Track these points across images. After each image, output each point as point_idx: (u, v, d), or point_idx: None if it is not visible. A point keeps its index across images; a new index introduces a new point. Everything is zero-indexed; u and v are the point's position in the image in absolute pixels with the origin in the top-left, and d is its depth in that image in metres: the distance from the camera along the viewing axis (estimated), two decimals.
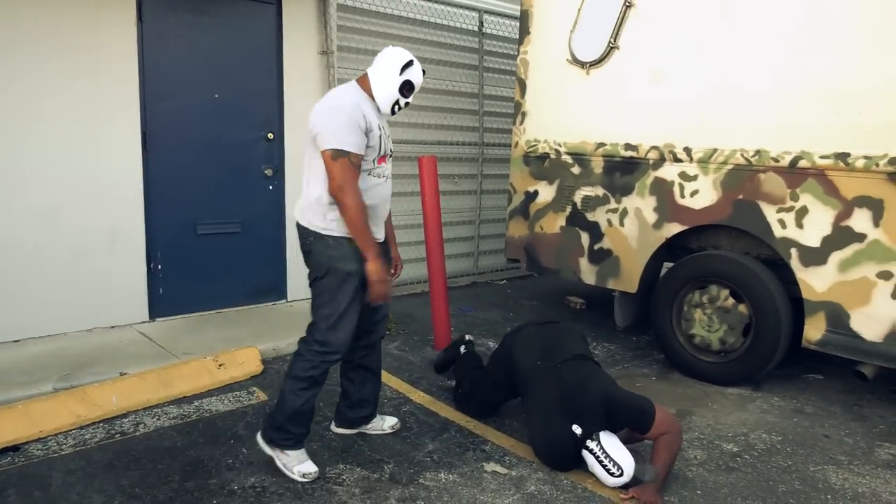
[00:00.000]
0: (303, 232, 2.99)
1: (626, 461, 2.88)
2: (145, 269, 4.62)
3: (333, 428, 3.37)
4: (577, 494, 2.89)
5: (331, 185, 2.77)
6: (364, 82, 2.97)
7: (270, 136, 5.06)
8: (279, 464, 2.95)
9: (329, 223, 2.87)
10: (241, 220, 5.02)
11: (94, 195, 4.34)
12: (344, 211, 2.78)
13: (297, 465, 2.94)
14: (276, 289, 5.28)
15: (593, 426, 2.96)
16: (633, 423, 3.03)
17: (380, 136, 2.91)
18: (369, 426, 3.36)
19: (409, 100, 2.99)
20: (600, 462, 2.89)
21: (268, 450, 2.99)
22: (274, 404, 3.04)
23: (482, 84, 6.53)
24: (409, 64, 2.92)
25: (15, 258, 4.10)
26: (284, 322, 4.82)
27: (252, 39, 4.93)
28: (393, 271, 3.21)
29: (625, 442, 3.02)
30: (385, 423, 3.41)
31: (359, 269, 2.87)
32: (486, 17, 6.44)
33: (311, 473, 2.92)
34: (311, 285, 3.02)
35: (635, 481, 2.86)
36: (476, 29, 6.40)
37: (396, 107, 2.97)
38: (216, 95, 4.78)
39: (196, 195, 4.78)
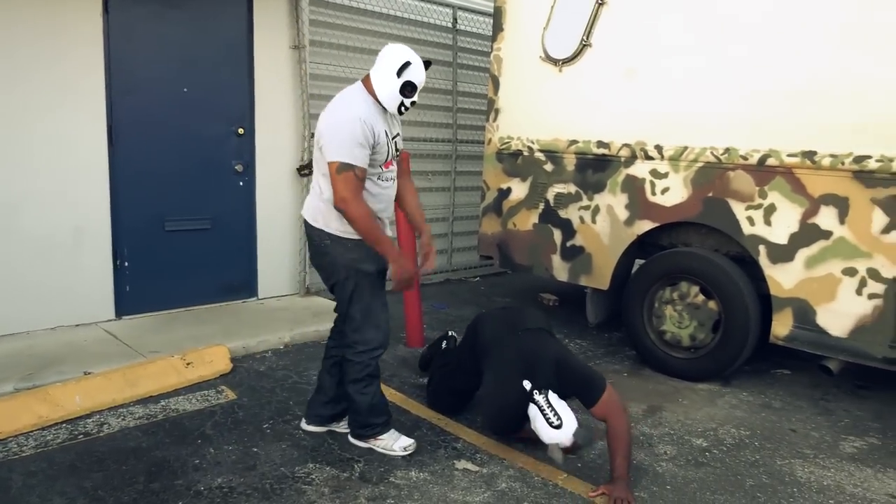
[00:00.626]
0: (317, 234, 3.01)
1: (569, 416, 2.87)
2: (111, 266, 4.53)
3: (304, 426, 3.33)
4: (548, 491, 2.89)
5: (335, 197, 2.82)
6: (368, 83, 2.94)
7: (241, 131, 4.99)
8: (379, 450, 3.13)
9: (347, 225, 2.89)
10: (211, 216, 4.94)
11: (58, 190, 4.23)
12: (352, 222, 2.84)
13: (395, 442, 3.13)
14: (247, 286, 5.21)
15: (543, 383, 2.98)
16: (582, 390, 3.02)
17: (386, 143, 2.94)
18: (341, 424, 3.33)
19: (415, 99, 2.92)
20: (543, 413, 2.88)
21: (364, 444, 3.18)
22: (350, 407, 3.19)
23: (456, 81, 6.51)
24: (405, 65, 2.84)
25: None
26: (255, 320, 4.75)
27: (222, 32, 4.85)
28: (422, 261, 3.20)
29: None
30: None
31: (379, 268, 3.02)
32: (459, 13, 6.42)
33: (411, 445, 3.14)
34: (332, 289, 3.11)
35: (575, 446, 2.87)
36: (450, 25, 6.38)
37: (402, 108, 2.93)
38: (185, 89, 4.70)
39: (164, 191, 4.69)
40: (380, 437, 3.14)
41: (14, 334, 4.13)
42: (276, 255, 5.30)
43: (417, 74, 2.87)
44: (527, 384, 2.98)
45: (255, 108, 5.04)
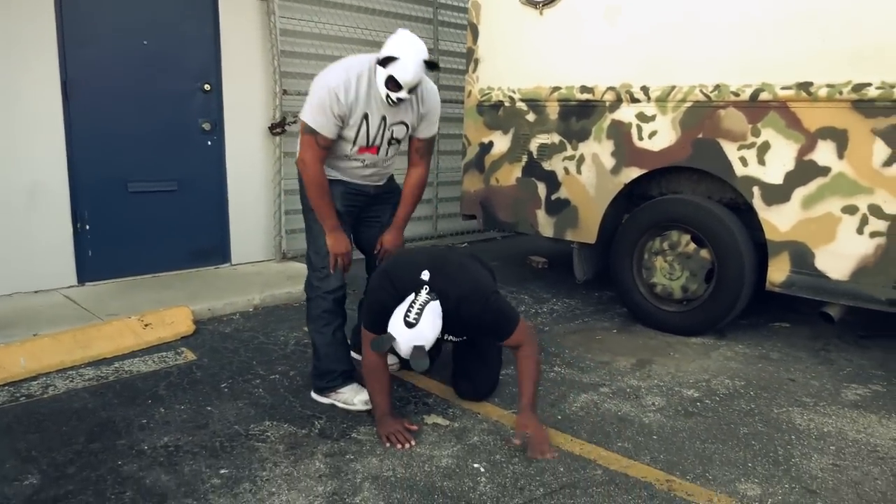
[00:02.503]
0: None
1: (428, 330, 2.48)
2: (71, 230, 4.30)
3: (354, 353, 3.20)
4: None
5: (298, 154, 2.85)
6: None
7: (207, 87, 4.74)
8: (340, 405, 2.95)
9: None
10: (178, 177, 4.70)
11: (7, 148, 4.00)
12: (304, 184, 2.87)
13: (355, 395, 2.95)
14: (218, 251, 4.98)
15: (443, 288, 2.61)
16: (494, 325, 2.67)
17: (359, 127, 2.80)
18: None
19: (402, 95, 2.68)
20: (410, 304, 2.52)
21: (325, 400, 3.00)
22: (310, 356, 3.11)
23: (437, 38, 6.24)
24: (391, 59, 2.63)
25: None
26: (225, 284, 4.53)
27: None
28: (377, 249, 3.13)
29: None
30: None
31: (342, 209, 2.96)
32: None
33: (361, 404, 2.92)
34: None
35: (411, 355, 2.49)
36: None
37: (390, 100, 2.71)
38: (145, 42, 4.45)
39: (127, 150, 4.45)
40: (339, 391, 2.96)
41: None
42: (250, 219, 5.07)
43: (403, 72, 2.63)
44: (425, 274, 2.63)
45: (221, 62, 4.79)
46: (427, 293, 2.57)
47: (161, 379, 3.19)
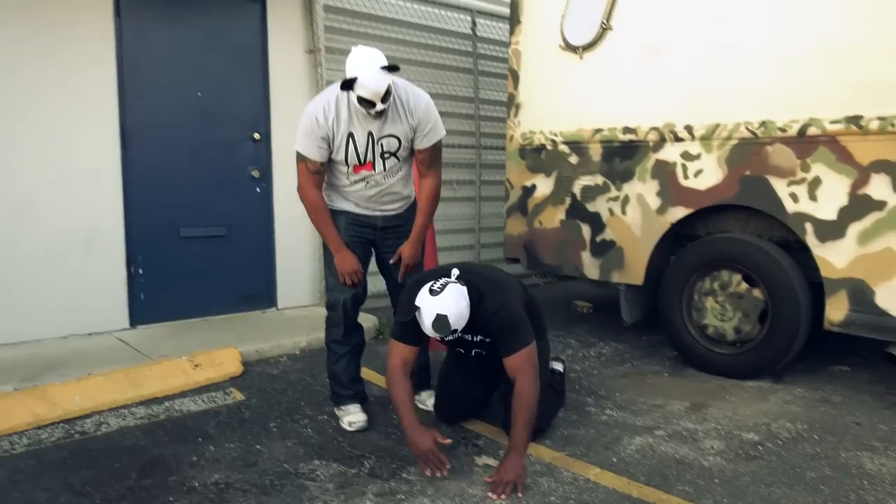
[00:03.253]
0: None
1: (452, 301, 2.51)
2: (125, 274, 4.41)
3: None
4: (579, 486, 2.57)
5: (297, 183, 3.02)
6: None
7: (257, 136, 4.89)
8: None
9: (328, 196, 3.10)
10: (228, 223, 4.82)
11: (69, 194, 4.16)
12: (305, 209, 3.04)
13: (346, 416, 3.12)
14: (265, 295, 5.04)
15: (469, 279, 2.65)
16: (505, 333, 2.63)
17: (346, 146, 2.88)
18: (421, 395, 3.36)
19: (378, 108, 2.77)
20: (434, 280, 2.60)
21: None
22: None
23: (477, 88, 6.36)
24: (350, 81, 2.69)
25: None
26: (271, 327, 4.57)
27: (236, 37, 4.79)
28: (392, 261, 3.20)
29: None
30: (426, 399, 3.36)
31: (345, 240, 3.06)
32: (478, 19, 6.31)
33: (356, 423, 3.07)
34: None
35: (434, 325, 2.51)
36: (469, 32, 6.27)
37: (372, 111, 2.79)
38: (199, 94, 4.64)
39: (180, 197, 4.59)
40: (339, 408, 3.18)
41: (24, 342, 4.02)
42: (296, 264, 5.14)
43: (365, 89, 2.69)
44: (454, 271, 2.68)
45: (270, 112, 4.95)
46: (455, 278, 2.63)
47: (211, 418, 3.20)
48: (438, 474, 2.59)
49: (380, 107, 2.77)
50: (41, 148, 4.06)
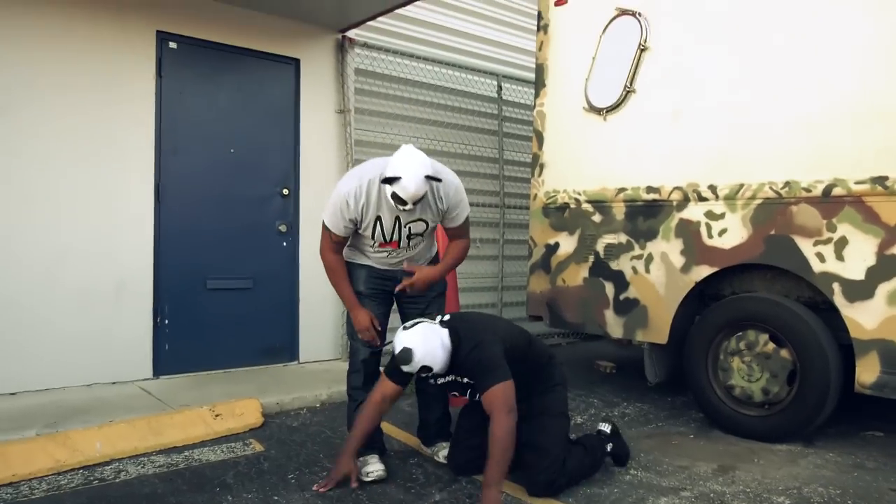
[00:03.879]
0: None
1: (423, 337, 2.75)
2: (151, 324, 4.48)
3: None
4: None
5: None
6: None
7: (286, 191, 5.02)
8: None
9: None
10: (253, 275, 4.90)
11: (103, 244, 4.28)
12: (324, 267, 3.17)
13: (363, 467, 3.08)
14: (287, 349, 5.06)
15: (455, 325, 2.85)
16: (479, 371, 2.75)
17: (374, 225, 3.01)
18: (433, 448, 3.41)
19: (408, 208, 2.86)
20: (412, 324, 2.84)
21: None
22: None
23: (502, 149, 6.50)
24: (392, 179, 2.79)
25: (17, 306, 4.00)
26: (293, 380, 4.57)
27: (270, 96, 4.99)
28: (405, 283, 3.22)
29: None
30: (439, 451, 3.37)
31: (365, 292, 3.19)
32: (504, 84, 6.50)
33: (373, 473, 3.05)
34: None
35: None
36: (495, 95, 6.44)
37: (403, 208, 2.88)
38: (232, 150, 4.80)
39: (208, 249, 4.70)
40: (358, 458, 3.11)
41: (49, 389, 4.06)
42: (319, 318, 5.17)
43: (404, 191, 2.80)
44: (441, 317, 2.91)
45: (299, 169, 5.09)
46: (438, 322, 2.83)
47: (229, 468, 3.18)
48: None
49: (409, 208, 2.87)
50: (78, 199, 4.21)
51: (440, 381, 2.94)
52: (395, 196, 2.84)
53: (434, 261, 3.37)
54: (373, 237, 3.05)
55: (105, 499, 2.81)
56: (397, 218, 3.00)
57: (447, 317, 2.90)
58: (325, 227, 3.08)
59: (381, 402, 2.92)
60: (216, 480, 3.03)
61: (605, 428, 3.34)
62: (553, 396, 2.99)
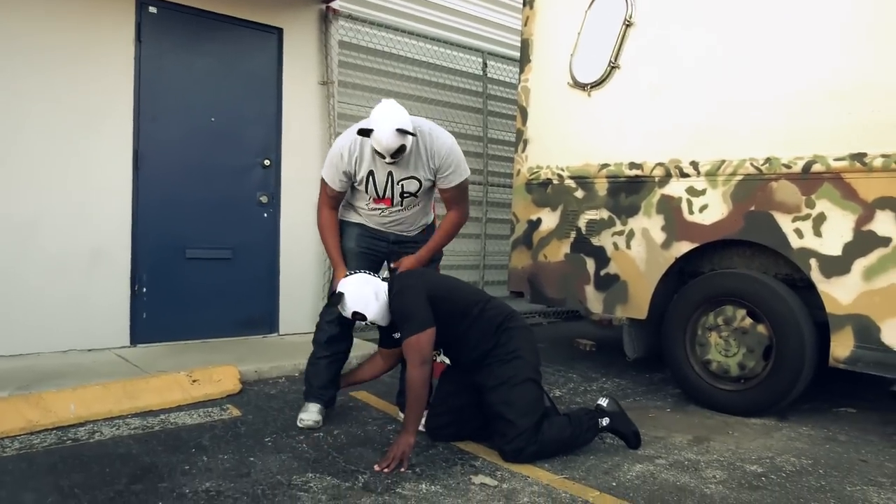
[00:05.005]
0: None
1: (356, 284, 2.98)
2: (129, 292, 4.42)
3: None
4: None
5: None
6: None
7: (267, 162, 4.97)
8: None
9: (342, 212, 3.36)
10: (233, 246, 4.85)
11: (79, 210, 4.21)
12: (317, 221, 3.29)
13: (301, 412, 3.28)
14: (267, 321, 5.03)
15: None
16: (396, 318, 2.94)
17: (368, 181, 3.10)
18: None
19: (388, 160, 2.96)
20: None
21: None
22: None
23: (486, 127, 6.48)
24: (366, 131, 2.91)
25: None
26: (272, 351, 4.54)
27: (252, 65, 4.92)
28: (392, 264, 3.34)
29: None
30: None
31: (355, 248, 3.29)
32: (489, 61, 6.47)
33: (305, 420, 3.23)
34: None
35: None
36: (480, 73, 6.41)
37: (384, 160, 2.98)
38: (213, 119, 4.73)
39: (187, 218, 4.64)
40: (304, 404, 3.33)
41: (23, 355, 4.00)
42: (300, 290, 5.14)
43: (377, 143, 2.90)
44: (385, 273, 3.23)
45: (281, 140, 5.03)
46: (377, 275, 3.12)
47: (205, 431, 3.16)
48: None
49: (390, 160, 2.94)
50: (55, 165, 4.13)
51: (395, 335, 3.05)
52: (374, 149, 2.94)
53: (430, 229, 3.39)
54: (366, 191, 3.14)
55: (78, 458, 2.77)
56: (390, 174, 3.06)
57: (394, 274, 3.14)
58: (322, 182, 3.19)
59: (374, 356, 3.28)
60: (192, 442, 3.01)
61: (603, 402, 3.23)
62: (516, 364, 2.96)
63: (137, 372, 3.79)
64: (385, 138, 2.85)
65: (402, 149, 2.92)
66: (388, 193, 3.13)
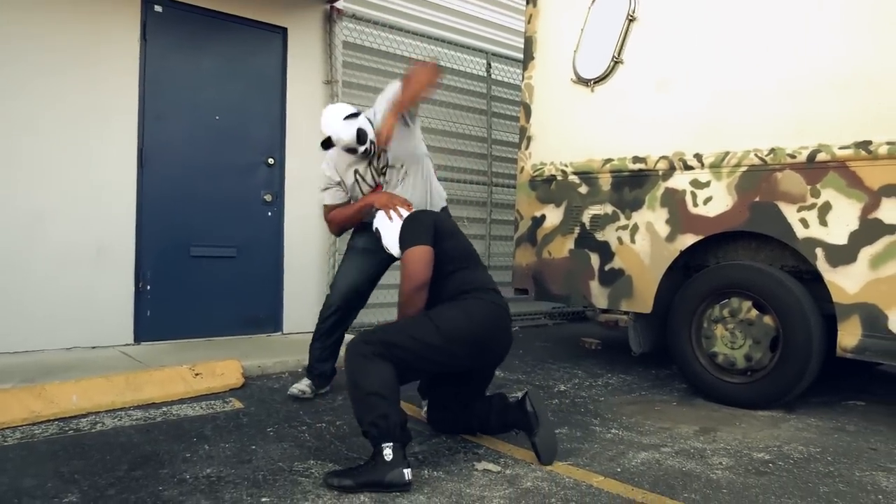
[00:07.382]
0: None
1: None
2: (133, 289, 4.43)
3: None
4: (581, 490, 2.48)
5: None
6: None
7: (271, 161, 4.99)
8: None
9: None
10: (238, 244, 4.86)
11: (84, 207, 4.23)
12: (330, 228, 3.60)
13: (295, 384, 3.59)
14: (271, 319, 5.02)
15: None
16: (402, 233, 2.92)
17: (358, 182, 3.35)
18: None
19: (361, 150, 3.18)
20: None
21: None
22: None
23: (490, 128, 6.48)
24: (326, 142, 3.27)
25: None
26: (276, 348, 4.53)
27: (257, 64, 4.95)
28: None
29: None
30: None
31: (361, 246, 3.49)
32: (493, 62, 6.48)
33: (292, 390, 3.54)
34: None
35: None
36: (484, 74, 6.43)
37: (357, 155, 3.24)
38: (217, 117, 4.76)
39: (192, 216, 4.65)
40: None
41: (28, 351, 4.01)
42: (304, 289, 5.14)
43: (340, 142, 3.18)
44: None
45: (286, 139, 5.05)
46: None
47: (208, 422, 3.15)
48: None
49: (361, 149, 3.15)
50: (61, 161, 4.15)
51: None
52: (346, 150, 3.20)
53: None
54: (362, 192, 3.37)
55: (80, 447, 2.77)
56: (369, 163, 3.29)
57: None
58: (325, 207, 3.47)
59: None
60: (194, 432, 3.00)
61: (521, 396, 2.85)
62: (440, 310, 2.72)
63: (138, 365, 3.78)
64: (343, 133, 3.11)
65: (362, 133, 3.12)
66: (380, 180, 3.35)
